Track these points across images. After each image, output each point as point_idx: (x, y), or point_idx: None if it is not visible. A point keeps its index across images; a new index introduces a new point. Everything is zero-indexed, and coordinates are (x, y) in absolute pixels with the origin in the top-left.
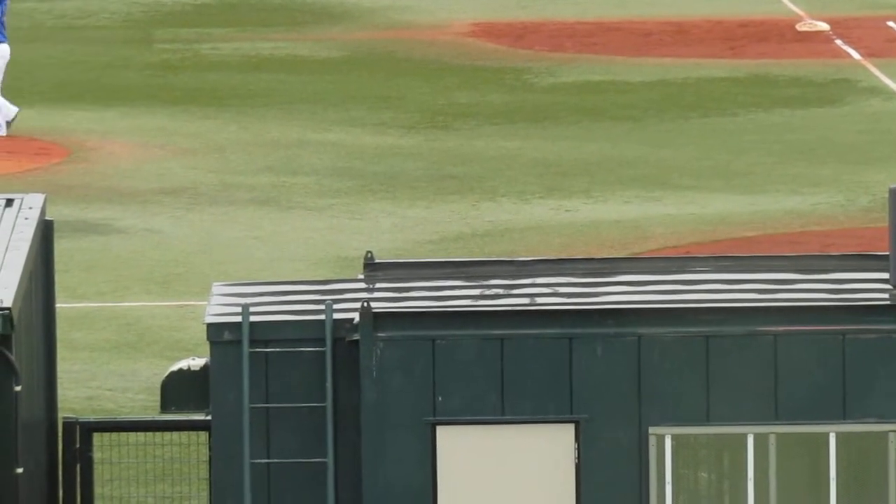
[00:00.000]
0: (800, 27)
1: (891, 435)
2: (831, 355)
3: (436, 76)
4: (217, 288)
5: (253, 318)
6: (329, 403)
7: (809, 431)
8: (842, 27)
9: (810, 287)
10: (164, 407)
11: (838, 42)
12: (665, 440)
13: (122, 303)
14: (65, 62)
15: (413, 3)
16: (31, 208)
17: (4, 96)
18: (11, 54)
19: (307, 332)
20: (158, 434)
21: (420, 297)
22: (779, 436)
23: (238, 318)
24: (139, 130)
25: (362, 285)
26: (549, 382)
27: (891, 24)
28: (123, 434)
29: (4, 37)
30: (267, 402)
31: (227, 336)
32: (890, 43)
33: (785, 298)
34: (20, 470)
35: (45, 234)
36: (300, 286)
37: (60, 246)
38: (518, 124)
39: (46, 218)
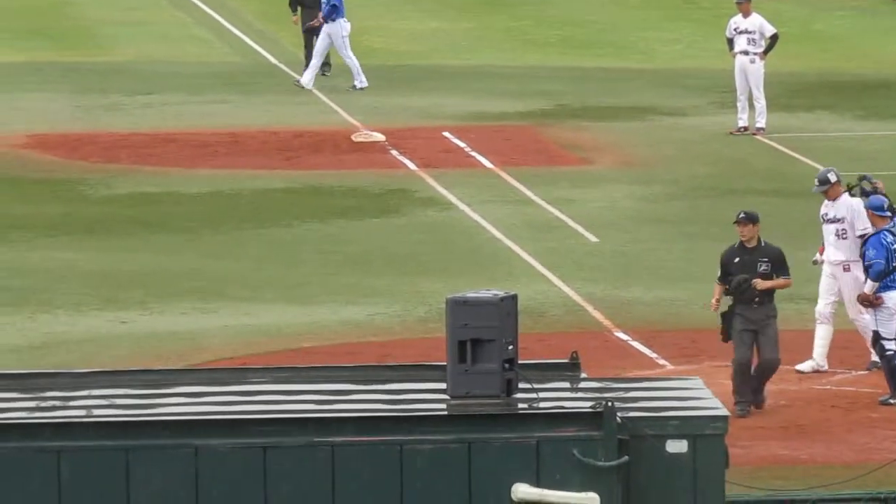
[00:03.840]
0: (355, 138)
1: None
2: (389, 466)
3: None
4: None
5: None
6: None
7: None
8: (397, 138)
9: (368, 398)
10: None
11: (394, 152)
12: None
13: None
14: None
15: None
16: None
17: None
18: None
19: None
20: None
21: None
22: None
23: None
24: None
25: None
26: (108, 498)
27: (446, 134)
28: None
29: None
30: None
31: None
32: (445, 153)
33: (342, 409)
34: None
35: None
36: None
37: None
38: (73, 236)
39: None
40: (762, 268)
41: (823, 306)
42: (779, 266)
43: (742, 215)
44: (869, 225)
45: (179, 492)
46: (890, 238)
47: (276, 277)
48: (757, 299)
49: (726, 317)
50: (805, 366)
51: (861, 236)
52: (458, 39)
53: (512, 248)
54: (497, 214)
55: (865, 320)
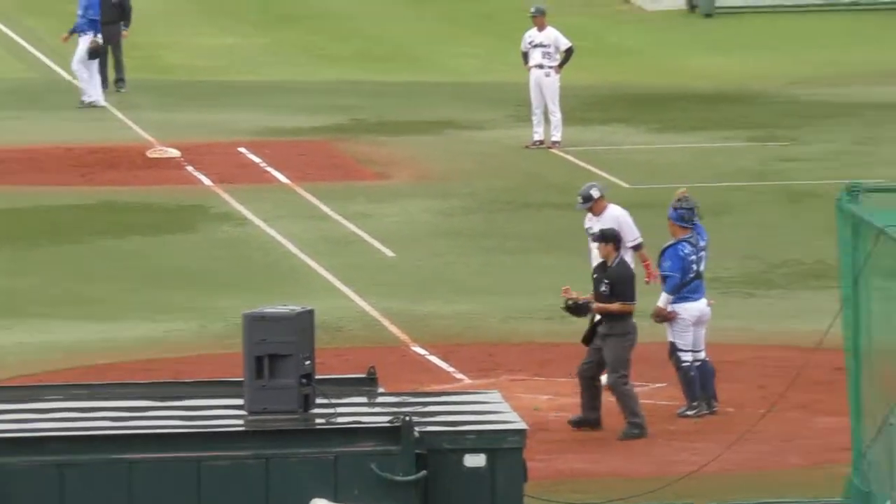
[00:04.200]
0: (150, 154)
1: None
2: (186, 482)
3: None
4: None
5: None
6: None
7: None
8: (192, 153)
9: (164, 414)
10: None
11: (189, 168)
12: None
13: None
14: None
15: None
16: None
17: None
18: None
19: None
20: None
21: None
22: None
23: None
24: None
25: None
26: None
27: (241, 149)
28: None
29: None
30: None
31: None
32: (240, 168)
33: (138, 426)
34: None
35: None
36: None
37: None
38: None
39: None
40: (602, 288)
41: None
42: (617, 288)
43: (598, 234)
44: (639, 234)
45: None
46: (688, 249)
47: (73, 294)
48: (596, 318)
49: (594, 325)
50: (607, 379)
51: (634, 247)
52: (253, 55)
53: (308, 263)
54: (293, 230)
55: None
